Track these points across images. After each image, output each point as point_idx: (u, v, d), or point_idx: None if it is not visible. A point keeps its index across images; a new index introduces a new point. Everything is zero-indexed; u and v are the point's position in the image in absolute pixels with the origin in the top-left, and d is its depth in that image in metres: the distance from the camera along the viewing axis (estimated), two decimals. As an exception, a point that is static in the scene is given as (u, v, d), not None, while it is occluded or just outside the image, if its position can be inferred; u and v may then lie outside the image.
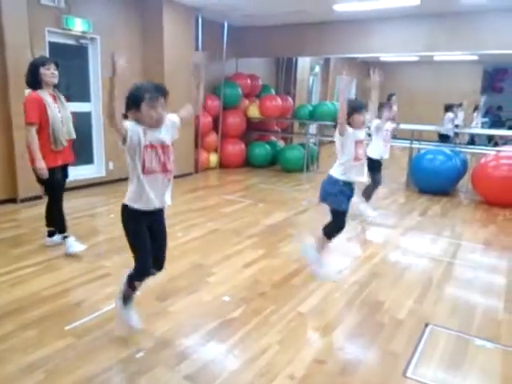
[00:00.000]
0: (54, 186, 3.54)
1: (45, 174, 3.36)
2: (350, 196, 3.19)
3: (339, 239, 4.22)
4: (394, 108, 9.80)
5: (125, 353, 2.25)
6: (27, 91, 3.52)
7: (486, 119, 13.26)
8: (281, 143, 8.82)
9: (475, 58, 11.20)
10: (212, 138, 7.50)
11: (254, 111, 8.06)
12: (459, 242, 4.24)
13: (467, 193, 6.31)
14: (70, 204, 5.13)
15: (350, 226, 4.70)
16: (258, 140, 8.46)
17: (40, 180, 3.48)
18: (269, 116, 8.10)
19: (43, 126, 3.33)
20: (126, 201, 2.20)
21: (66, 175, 3.70)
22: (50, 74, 3.35)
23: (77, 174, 5.90)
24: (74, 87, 5.97)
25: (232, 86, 7.58)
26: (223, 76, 7.38)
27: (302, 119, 8.52)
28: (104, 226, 4.57)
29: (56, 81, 3.42)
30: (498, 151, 6.23)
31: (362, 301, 2.94)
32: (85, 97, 5.93)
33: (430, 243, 4.25)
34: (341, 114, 2.99)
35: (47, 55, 5.18)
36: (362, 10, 6.20)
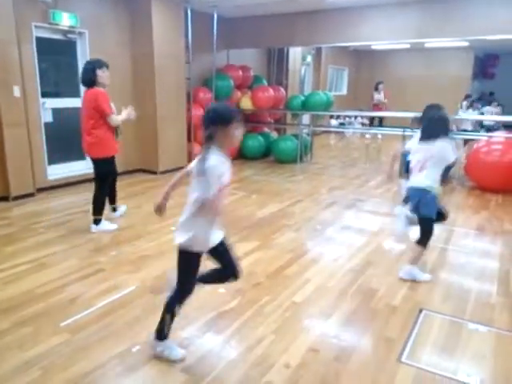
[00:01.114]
0: (111, 171, 4.09)
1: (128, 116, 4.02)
2: None
3: (335, 228, 4.26)
4: (382, 96, 9.85)
5: (121, 347, 2.25)
6: (83, 89, 3.94)
7: (479, 105, 13.27)
8: (274, 134, 8.79)
9: (466, 44, 11.18)
10: None
11: (246, 103, 8.02)
12: (452, 228, 4.26)
13: (460, 179, 6.34)
14: (63, 200, 5.12)
15: (344, 215, 4.73)
16: (250, 132, 8.43)
17: (99, 167, 3.98)
18: (261, 107, 8.06)
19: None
20: None
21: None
22: (106, 76, 3.80)
23: (70, 170, 5.88)
24: (63, 83, 5.91)
25: (223, 77, 7.52)
26: (214, 68, 7.32)
27: (295, 110, 8.49)
28: (98, 221, 4.56)
29: (108, 83, 3.88)
30: (490, 137, 6.25)
31: (356, 289, 2.96)
32: (74, 92, 5.87)
33: (423, 230, 4.27)
34: None
35: (35, 50, 5.13)
36: (351, -2, 6.16)
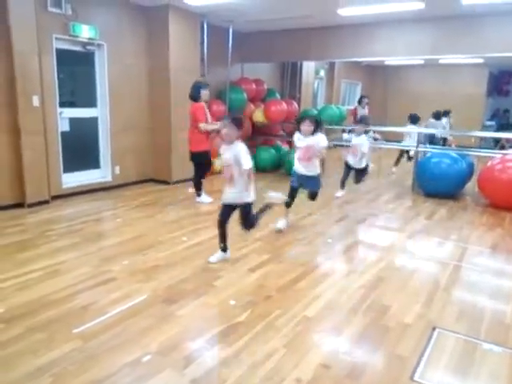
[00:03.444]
0: (206, 162, 5.46)
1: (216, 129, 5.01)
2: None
3: (346, 242, 4.24)
4: (365, 111, 9.49)
5: (132, 356, 2.26)
6: (190, 102, 5.34)
7: (493, 122, 13.21)
8: (286, 148, 8.82)
9: (481, 60, 11.17)
10: (217, 143, 7.52)
11: (259, 116, 8.08)
12: (466, 246, 4.21)
13: (474, 196, 6.28)
14: (77, 208, 5.18)
15: (356, 230, 4.71)
16: (263, 144, 8.48)
17: (195, 158, 5.39)
18: (274, 120, 8.11)
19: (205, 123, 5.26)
20: None
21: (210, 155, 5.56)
22: (206, 94, 5.31)
23: (83, 178, 5.97)
24: (81, 93, 6.03)
25: (237, 90, 7.61)
26: (228, 81, 7.42)
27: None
28: (111, 230, 4.60)
29: (208, 99, 5.52)
30: (505, 154, 6.20)
31: (368, 305, 2.93)
32: (91, 102, 5.99)
33: (436, 247, 4.23)
34: None
35: (55, 62, 5.27)
36: (366, 15, 6.21)
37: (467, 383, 2.16)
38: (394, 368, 2.25)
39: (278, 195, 4.05)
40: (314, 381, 2.12)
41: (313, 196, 4.56)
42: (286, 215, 4.54)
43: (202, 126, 5.18)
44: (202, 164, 5.46)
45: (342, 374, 2.19)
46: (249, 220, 3.51)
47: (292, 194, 4.45)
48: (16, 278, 3.17)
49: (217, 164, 6.46)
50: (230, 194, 3.40)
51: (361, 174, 5.87)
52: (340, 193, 5.95)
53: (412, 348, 2.43)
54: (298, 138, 4.35)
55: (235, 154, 3.25)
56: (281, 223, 4.47)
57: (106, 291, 3.00)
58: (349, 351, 2.40)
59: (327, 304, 2.93)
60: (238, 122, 3.33)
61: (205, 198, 5.56)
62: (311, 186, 4.46)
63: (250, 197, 3.39)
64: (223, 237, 3.55)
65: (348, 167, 5.88)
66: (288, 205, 4.44)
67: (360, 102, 9.46)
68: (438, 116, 9.14)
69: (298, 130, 4.32)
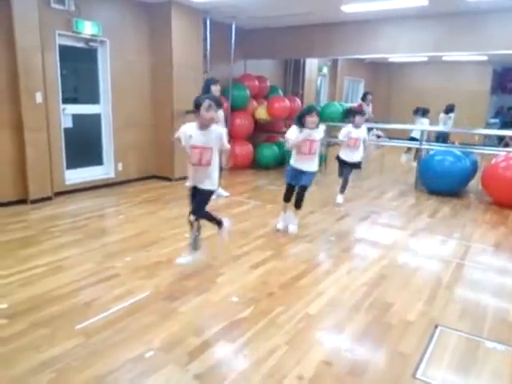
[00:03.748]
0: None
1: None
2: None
3: (349, 240, 4.24)
4: (370, 108, 9.42)
5: (134, 352, 2.27)
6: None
7: (497, 120, 13.14)
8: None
9: (484, 58, 11.11)
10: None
11: (262, 113, 8.07)
12: (469, 244, 4.20)
13: (477, 194, 6.26)
14: (80, 205, 5.19)
15: (358, 227, 4.70)
16: (265, 141, 8.46)
17: None
18: (277, 117, 8.09)
19: None
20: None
21: None
22: (216, 90, 5.16)
23: (86, 175, 5.97)
24: (84, 89, 6.03)
25: (240, 87, 7.59)
26: (231, 77, 7.40)
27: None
28: (114, 226, 4.61)
29: (219, 94, 5.21)
30: (509, 152, 6.17)
31: (370, 302, 2.93)
32: (94, 99, 5.99)
33: (439, 245, 4.22)
34: None
35: (58, 58, 5.26)
36: (369, 11, 6.18)
37: (470, 381, 2.16)
38: (396, 365, 2.25)
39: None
40: (316, 378, 2.13)
41: (300, 196, 4.27)
42: (285, 212, 4.44)
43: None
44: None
45: (344, 371, 2.19)
46: (202, 208, 3.33)
47: (290, 194, 4.34)
48: (19, 273, 3.18)
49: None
50: (199, 178, 3.23)
51: (358, 166, 5.58)
52: (341, 198, 5.52)
53: (414, 346, 2.42)
54: (301, 132, 4.09)
55: (218, 137, 3.15)
56: (281, 224, 4.42)
57: (109, 287, 3.01)
58: (351, 348, 2.40)
59: (329, 301, 2.93)
60: (220, 104, 3.30)
61: (222, 191, 5.64)
62: (304, 180, 4.23)
63: (214, 184, 3.30)
64: (198, 228, 3.41)
65: (342, 163, 5.52)
66: (285, 206, 4.41)
67: (364, 98, 9.36)
68: (449, 110, 9.23)
69: (301, 123, 4.09)
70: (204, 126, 3.10)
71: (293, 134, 4.12)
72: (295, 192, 4.33)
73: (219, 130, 3.19)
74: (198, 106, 3.07)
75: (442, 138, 8.62)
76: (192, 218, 3.28)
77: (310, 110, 4.12)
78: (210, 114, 3.06)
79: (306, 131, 4.08)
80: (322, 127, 4.28)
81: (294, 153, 4.24)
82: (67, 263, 3.41)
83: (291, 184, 4.34)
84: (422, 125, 8.72)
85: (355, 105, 10.07)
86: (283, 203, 4.43)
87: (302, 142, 4.10)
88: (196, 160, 3.15)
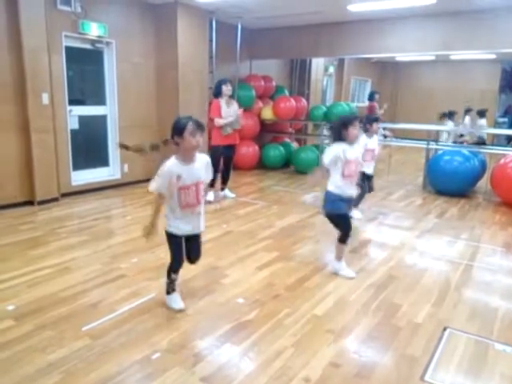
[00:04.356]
0: (215, 155, 5.25)
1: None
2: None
3: (356, 241, 4.20)
4: (382, 111, 9.19)
5: (141, 354, 2.26)
6: (212, 98, 5.61)
7: (506, 119, 13.01)
8: (294, 145, 8.79)
9: (493, 56, 11.00)
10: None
11: (267, 113, 8.05)
12: (478, 245, 4.16)
13: (486, 194, 6.19)
14: (87, 206, 5.21)
15: (366, 228, 4.67)
16: (271, 142, 8.45)
17: (210, 152, 5.38)
18: (283, 117, 8.08)
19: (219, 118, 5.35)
20: None
21: (232, 151, 5.69)
22: (227, 90, 5.31)
23: (93, 176, 5.99)
24: (90, 91, 6.05)
25: (246, 87, 7.58)
26: (237, 77, 7.39)
27: (317, 120, 8.47)
28: (120, 228, 4.61)
29: (230, 93, 5.43)
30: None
31: (378, 304, 2.90)
32: (100, 100, 6.01)
33: (447, 246, 4.18)
34: None
35: (64, 59, 5.29)
36: (376, 10, 6.14)
37: (479, 384, 2.13)
38: (405, 368, 2.22)
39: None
40: (323, 380, 2.11)
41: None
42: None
43: (216, 120, 5.34)
44: (214, 158, 5.41)
45: (352, 373, 2.17)
46: (201, 250, 2.80)
47: (349, 224, 3.36)
48: (26, 275, 3.19)
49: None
50: (197, 223, 2.64)
51: (371, 180, 4.92)
52: (358, 214, 4.86)
53: (423, 348, 2.40)
54: (344, 150, 3.13)
55: (207, 165, 2.62)
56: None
57: (116, 289, 3.01)
58: (358, 350, 2.37)
59: (337, 303, 2.90)
60: (202, 127, 2.53)
61: (228, 192, 5.78)
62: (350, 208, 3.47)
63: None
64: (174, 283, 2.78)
65: (364, 177, 4.44)
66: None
67: (371, 98, 9.27)
68: (482, 113, 8.97)
69: (339, 136, 3.16)
70: (189, 157, 2.50)
71: (337, 152, 3.14)
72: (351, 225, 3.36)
73: (205, 158, 2.62)
74: (180, 130, 2.43)
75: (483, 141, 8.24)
76: (176, 276, 2.73)
77: (350, 120, 3.16)
78: (196, 139, 2.41)
79: (348, 147, 3.18)
80: (363, 137, 3.68)
81: (335, 177, 3.21)
82: (74, 264, 3.42)
83: (347, 215, 3.37)
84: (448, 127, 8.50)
85: (367, 104, 9.69)
86: (344, 246, 3.38)
87: (347, 162, 3.17)
88: (192, 200, 2.52)
